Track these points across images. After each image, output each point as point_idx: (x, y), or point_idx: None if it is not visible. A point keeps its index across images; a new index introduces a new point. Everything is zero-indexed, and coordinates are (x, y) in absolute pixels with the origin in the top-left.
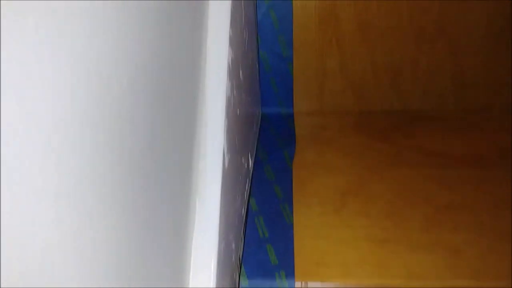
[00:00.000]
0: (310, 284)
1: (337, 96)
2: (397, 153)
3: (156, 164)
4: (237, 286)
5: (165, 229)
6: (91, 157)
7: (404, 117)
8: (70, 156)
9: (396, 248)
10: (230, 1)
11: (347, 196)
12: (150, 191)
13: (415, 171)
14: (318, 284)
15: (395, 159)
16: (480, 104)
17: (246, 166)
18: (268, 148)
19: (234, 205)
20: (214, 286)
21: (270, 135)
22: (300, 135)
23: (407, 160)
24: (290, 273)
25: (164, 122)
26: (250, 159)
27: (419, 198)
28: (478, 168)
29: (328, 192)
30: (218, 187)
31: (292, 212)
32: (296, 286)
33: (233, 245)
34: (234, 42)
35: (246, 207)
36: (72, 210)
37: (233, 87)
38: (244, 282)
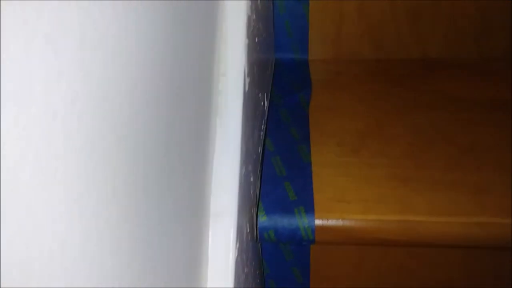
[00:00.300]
0: (330, 221)
1: (354, 43)
2: (416, 97)
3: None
4: (255, 221)
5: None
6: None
7: (423, 64)
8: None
9: (418, 186)
10: None
11: (366, 138)
12: (171, 115)
13: (435, 115)
14: (339, 221)
15: (415, 103)
16: (503, 51)
17: (262, 104)
18: (283, 93)
19: (253, 136)
20: (236, 207)
21: (284, 80)
22: (316, 80)
23: (427, 104)
24: (309, 210)
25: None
26: (265, 100)
27: (440, 140)
28: (500, 112)
29: (346, 134)
30: (240, 106)
31: (309, 152)
32: (316, 223)
33: (251, 178)
34: None
35: (262, 146)
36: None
37: (252, 11)
38: (263, 218)
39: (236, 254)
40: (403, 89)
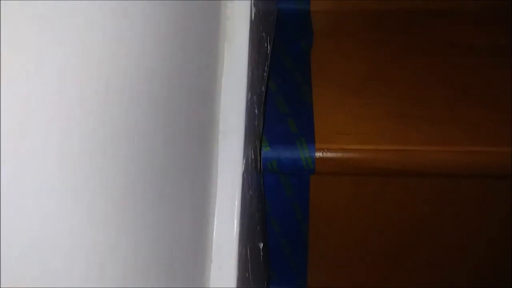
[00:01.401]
0: (330, 153)
1: None
2: (416, 44)
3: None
4: (258, 152)
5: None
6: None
7: (424, 14)
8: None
9: (416, 122)
10: None
11: (367, 81)
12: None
13: (433, 60)
14: (339, 151)
15: (415, 49)
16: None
17: (265, 45)
18: (286, 41)
19: (257, 69)
20: (243, 126)
21: (286, 29)
22: (317, 29)
23: (426, 50)
24: (310, 141)
25: None
26: (268, 43)
27: (437, 82)
28: (495, 57)
29: (348, 76)
30: (247, 32)
31: (311, 93)
32: (316, 153)
33: (256, 110)
34: None
35: (265, 86)
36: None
37: None
38: (266, 149)
39: (243, 169)
40: (403, 36)
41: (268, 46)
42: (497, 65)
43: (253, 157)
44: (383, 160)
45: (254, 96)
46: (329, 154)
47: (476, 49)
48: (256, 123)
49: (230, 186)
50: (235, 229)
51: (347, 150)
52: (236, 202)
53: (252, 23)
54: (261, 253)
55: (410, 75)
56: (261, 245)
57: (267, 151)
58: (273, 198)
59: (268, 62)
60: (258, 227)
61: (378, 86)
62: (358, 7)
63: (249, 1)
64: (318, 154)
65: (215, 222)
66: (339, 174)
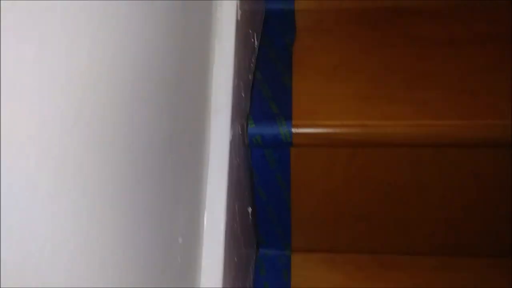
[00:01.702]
0: (304, 128)
1: None
2: (382, 37)
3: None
4: (245, 130)
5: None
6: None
7: (391, 12)
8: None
9: (377, 102)
10: None
11: (338, 68)
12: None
13: (397, 50)
14: (311, 128)
15: (382, 42)
16: None
17: (252, 41)
18: (271, 37)
19: (244, 60)
20: (230, 104)
21: (272, 26)
22: (300, 26)
23: (393, 42)
24: (288, 118)
25: None
26: (256, 39)
27: (399, 69)
28: (449, 48)
29: (323, 66)
30: (233, 30)
31: (291, 80)
32: (293, 130)
33: (243, 94)
34: None
35: (252, 75)
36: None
37: None
38: (251, 126)
39: (230, 138)
40: (375, 31)
41: (255, 41)
42: (449, 54)
43: (240, 132)
44: (349, 133)
45: (241, 82)
46: (303, 129)
47: (435, 42)
48: (243, 105)
49: (220, 150)
50: (225, 184)
51: (318, 125)
52: (225, 163)
53: (239, 23)
54: (250, 217)
55: (375, 63)
56: (250, 209)
57: (252, 128)
58: (260, 170)
59: (255, 55)
60: (246, 193)
61: (347, 73)
62: (335, 6)
63: (235, 4)
64: (295, 130)
65: (208, 179)
66: (313, 146)
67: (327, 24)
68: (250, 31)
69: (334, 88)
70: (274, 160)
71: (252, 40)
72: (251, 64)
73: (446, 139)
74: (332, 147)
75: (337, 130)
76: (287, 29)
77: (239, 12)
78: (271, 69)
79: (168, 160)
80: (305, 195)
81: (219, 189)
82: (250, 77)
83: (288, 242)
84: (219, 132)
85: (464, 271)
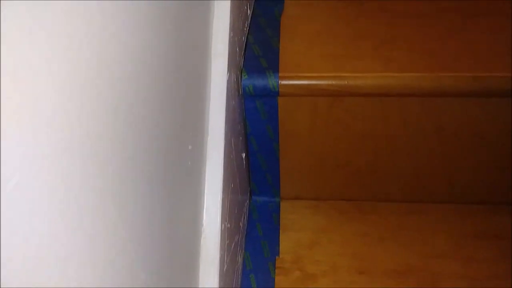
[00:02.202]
0: (289, 80)
1: None
2: (360, 10)
3: None
4: (239, 80)
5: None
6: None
7: None
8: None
9: (351, 59)
10: None
11: (320, 34)
12: None
13: (373, 21)
14: (295, 80)
15: (359, 13)
16: None
17: (246, 9)
18: (262, 8)
19: (239, 22)
20: (227, 51)
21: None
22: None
23: (368, 14)
24: (275, 71)
25: None
26: (249, 9)
27: (372, 34)
28: (420, 19)
29: (306, 31)
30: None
31: (278, 42)
32: (280, 81)
33: (237, 49)
34: None
35: (245, 37)
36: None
37: None
38: (245, 77)
39: (227, 78)
40: (352, 4)
41: (248, 10)
42: (416, 24)
43: (235, 81)
44: (326, 83)
45: (236, 39)
46: (288, 81)
47: (403, 14)
48: (237, 59)
49: (218, 89)
50: (223, 120)
51: (301, 77)
52: (224, 100)
53: None
54: (244, 162)
55: (351, 31)
56: (244, 155)
57: (245, 79)
58: (252, 122)
59: (248, 22)
60: (241, 138)
61: (327, 37)
62: None
63: None
64: (281, 81)
65: (209, 117)
66: (297, 95)
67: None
68: (244, 0)
69: (315, 49)
70: (265, 112)
71: (246, 8)
72: (245, 29)
73: (408, 89)
74: (313, 96)
75: (317, 81)
76: (276, 1)
77: None
78: (262, 34)
79: (176, 102)
80: (292, 146)
81: (219, 118)
82: (244, 39)
83: (277, 190)
84: (218, 73)
85: (432, 215)
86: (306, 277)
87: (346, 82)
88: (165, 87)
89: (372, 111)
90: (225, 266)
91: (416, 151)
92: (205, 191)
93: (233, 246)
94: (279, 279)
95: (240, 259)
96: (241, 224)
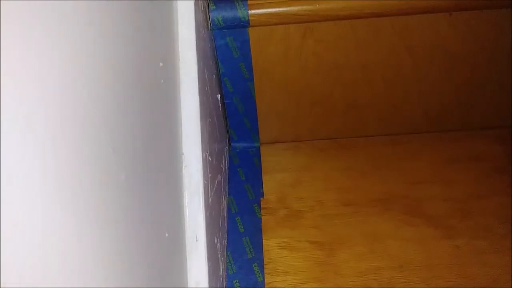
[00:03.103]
0: (258, 9)
1: None
2: None
3: None
4: (208, 14)
5: None
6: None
7: None
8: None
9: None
10: None
11: None
12: None
13: None
14: (265, 8)
15: None
16: None
17: None
18: None
19: None
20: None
21: None
22: None
23: None
24: (245, 0)
25: None
26: None
27: None
28: None
29: None
30: None
31: None
32: (250, 11)
33: None
34: None
35: None
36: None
37: None
38: (212, 7)
39: (194, 10)
40: None
41: None
42: None
43: (202, 9)
44: (297, 9)
45: None
46: (258, 9)
47: None
48: None
49: (187, 16)
50: (194, 43)
51: (271, 3)
52: (192, 25)
53: None
54: (220, 105)
55: None
56: (219, 96)
57: (213, 9)
58: (224, 60)
59: None
60: (214, 76)
61: None
62: None
63: None
64: (251, 10)
65: (179, 43)
66: (268, 25)
67: None
68: None
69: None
70: (237, 49)
71: None
72: None
73: (378, 8)
74: (284, 24)
75: (288, 7)
76: None
77: None
78: None
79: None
80: (267, 84)
81: (189, 42)
82: None
83: (256, 135)
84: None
85: (411, 144)
86: (292, 214)
87: (317, 6)
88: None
89: (344, 39)
90: (210, 199)
91: (391, 79)
92: (182, 119)
93: (216, 183)
94: (265, 219)
95: (224, 201)
96: (222, 166)
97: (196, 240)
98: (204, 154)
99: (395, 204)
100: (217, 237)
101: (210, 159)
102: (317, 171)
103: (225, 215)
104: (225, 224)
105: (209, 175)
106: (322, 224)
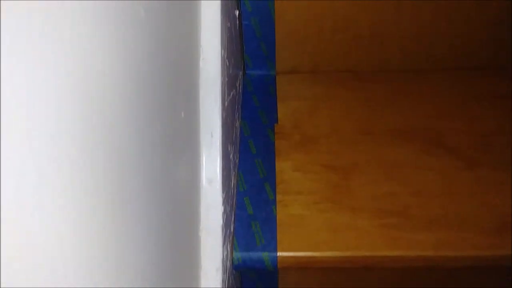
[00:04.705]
0: None
1: None
2: None
3: None
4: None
5: None
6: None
7: None
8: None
9: None
10: None
11: None
12: None
13: None
14: None
15: None
16: None
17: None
18: None
19: None
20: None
21: None
22: None
23: None
24: None
25: None
26: None
27: None
28: None
29: None
30: None
31: None
32: None
33: None
34: None
35: None
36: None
37: None
38: None
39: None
40: None
41: None
42: None
43: None
44: None
45: None
46: None
47: None
48: None
49: None
50: None
51: None
52: None
53: None
54: (237, 22)
55: None
56: (237, 13)
57: None
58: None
59: None
60: None
61: None
62: None
63: None
64: None
65: None
66: None
67: None
68: None
69: None
70: None
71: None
72: None
73: None
74: None
75: None
76: None
77: None
78: None
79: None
80: (288, 6)
81: None
82: None
83: (272, 63)
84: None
85: (433, 81)
86: (307, 139)
87: None
88: None
89: None
90: (226, 103)
91: (419, 10)
92: (202, 10)
93: (231, 95)
94: (279, 143)
95: (237, 122)
96: (237, 85)
97: (212, 137)
98: (222, 52)
99: (415, 135)
100: (231, 146)
101: (228, 64)
102: (335, 101)
103: (238, 134)
104: (238, 143)
105: (226, 79)
106: (338, 150)
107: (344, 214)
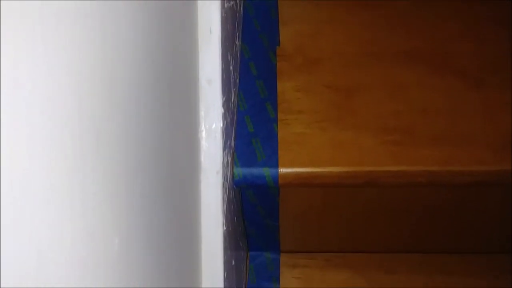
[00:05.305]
0: None
1: None
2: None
3: None
4: None
5: None
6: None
7: None
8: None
9: None
10: None
11: None
12: None
13: None
14: None
15: None
16: None
17: None
18: None
19: None
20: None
21: None
22: None
23: None
24: None
25: None
26: None
27: None
28: None
29: None
30: None
31: None
32: None
33: None
34: None
35: None
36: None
37: None
38: None
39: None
40: None
41: None
42: None
43: None
44: None
45: None
46: None
47: None
48: None
49: None
50: None
51: None
52: None
53: None
54: None
55: None
56: None
57: None
58: None
59: None
60: None
61: None
62: None
63: None
64: None
65: None
66: None
67: None
68: None
69: None
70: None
71: None
72: None
73: None
74: None
75: None
76: None
77: None
78: None
79: None
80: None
81: None
82: None
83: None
84: None
85: (435, 5)
86: (310, 61)
87: None
88: None
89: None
90: (226, 4)
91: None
92: None
93: (231, 4)
94: (281, 65)
95: (238, 42)
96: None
97: (210, 33)
98: None
99: (421, 57)
100: (231, 57)
101: None
102: (339, 24)
103: (238, 53)
104: (238, 63)
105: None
106: (341, 72)
107: (347, 132)
